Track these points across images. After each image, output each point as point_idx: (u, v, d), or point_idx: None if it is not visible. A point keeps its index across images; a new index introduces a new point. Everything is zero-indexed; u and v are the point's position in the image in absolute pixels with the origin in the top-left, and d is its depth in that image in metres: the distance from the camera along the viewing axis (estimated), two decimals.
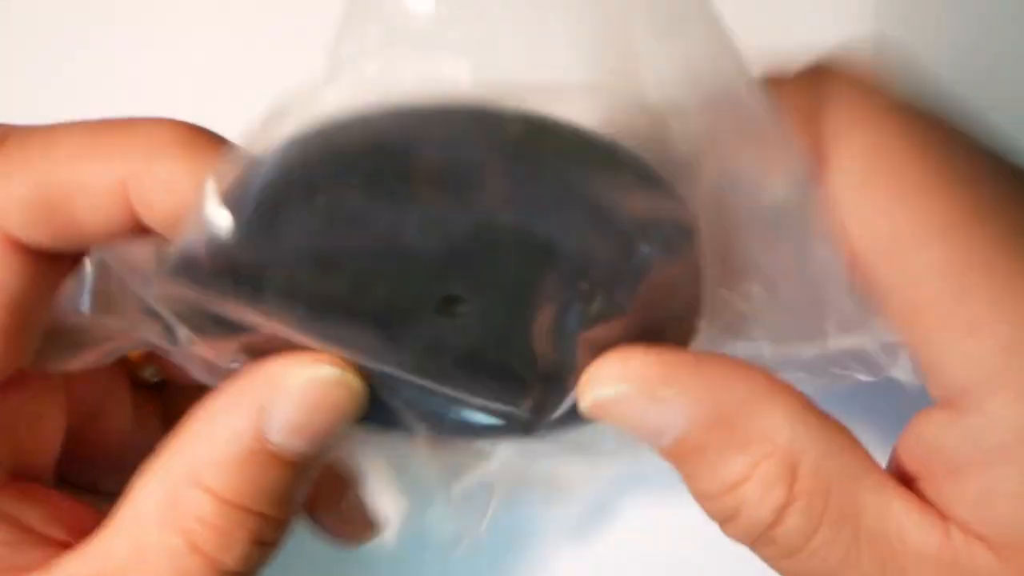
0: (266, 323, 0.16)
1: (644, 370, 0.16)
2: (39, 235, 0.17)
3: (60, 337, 0.18)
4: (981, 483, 0.15)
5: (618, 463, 0.19)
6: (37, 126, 0.17)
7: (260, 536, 0.17)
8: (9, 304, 0.17)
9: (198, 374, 0.18)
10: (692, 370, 0.16)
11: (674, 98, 0.14)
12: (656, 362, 0.16)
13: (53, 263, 0.17)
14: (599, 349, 0.16)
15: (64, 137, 0.17)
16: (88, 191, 0.17)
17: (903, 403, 0.17)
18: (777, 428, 0.16)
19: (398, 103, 0.14)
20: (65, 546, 0.18)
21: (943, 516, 0.15)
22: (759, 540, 0.16)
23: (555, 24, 0.13)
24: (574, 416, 0.17)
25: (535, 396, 0.17)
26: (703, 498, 0.17)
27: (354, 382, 0.16)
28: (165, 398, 0.23)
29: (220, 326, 0.16)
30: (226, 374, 0.17)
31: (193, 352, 0.17)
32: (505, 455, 0.18)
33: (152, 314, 0.17)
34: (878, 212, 0.15)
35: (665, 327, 0.16)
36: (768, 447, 0.16)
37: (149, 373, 0.23)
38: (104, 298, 0.17)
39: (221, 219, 0.15)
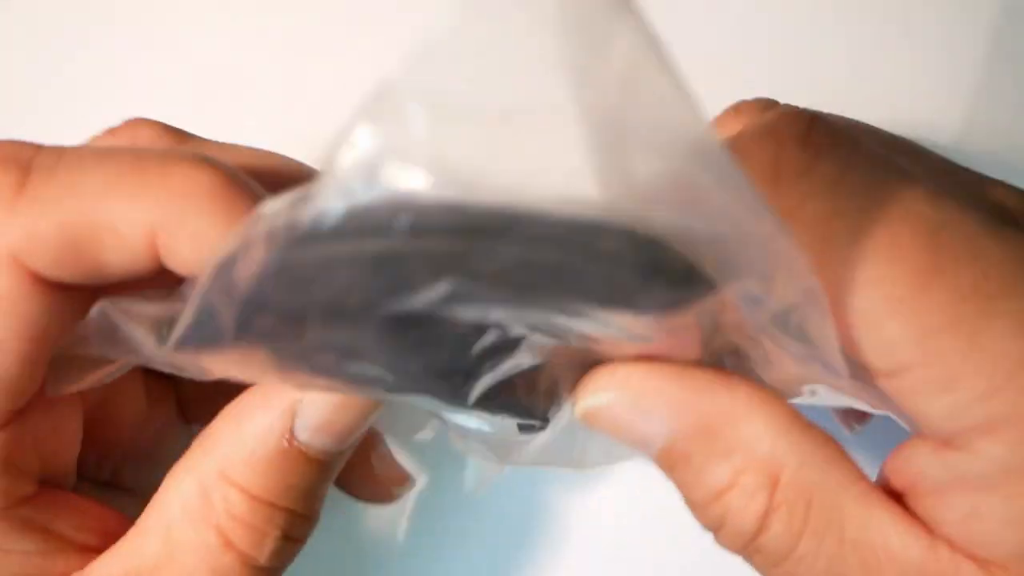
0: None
1: (629, 380, 0.16)
2: (63, 273, 0.17)
3: (67, 362, 0.18)
4: (966, 506, 0.15)
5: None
6: (64, 151, 0.17)
7: (289, 532, 0.18)
8: (32, 336, 0.17)
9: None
10: (676, 380, 0.16)
11: (674, 221, 0.13)
12: (641, 373, 0.16)
13: (73, 294, 0.17)
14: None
15: (93, 171, 0.17)
16: (116, 234, 0.16)
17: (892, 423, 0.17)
18: (759, 437, 0.16)
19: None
20: (96, 551, 0.18)
21: (930, 531, 0.16)
22: (747, 549, 0.17)
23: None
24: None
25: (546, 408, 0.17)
26: (694, 507, 0.17)
27: None
28: (178, 385, 0.23)
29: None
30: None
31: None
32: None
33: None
34: (844, 284, 0.15)
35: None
36: (749, 456, 0.16)
37: None
38: (110, 336, 0.17)
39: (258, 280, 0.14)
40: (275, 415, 0.17)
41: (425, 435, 0.22)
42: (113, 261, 0.17)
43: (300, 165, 0.20)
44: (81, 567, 0.18)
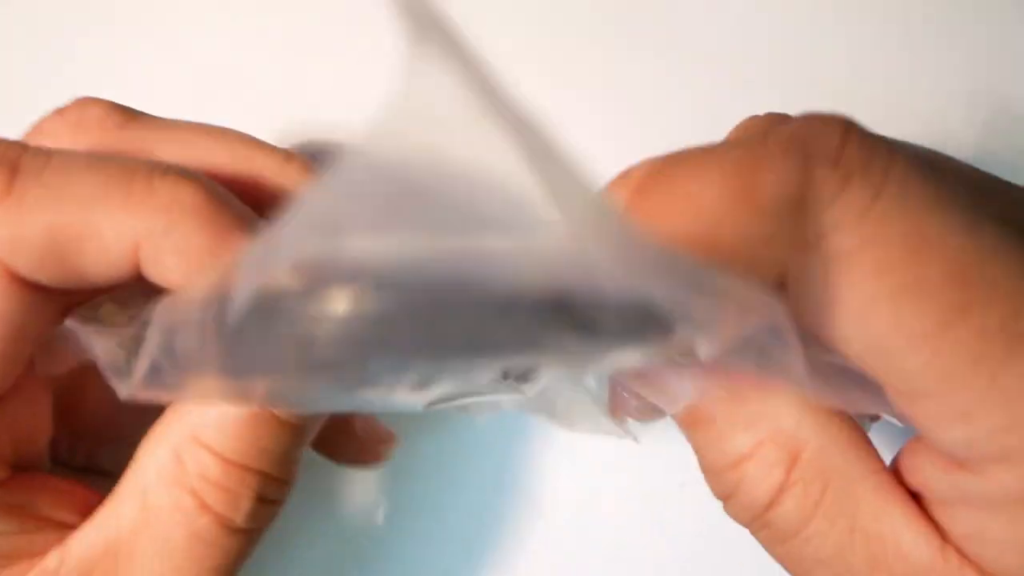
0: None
1: None
2: (44, 276, 0.17)
3: (55, 347, 0.19)
4: (973, 523, 0.15)
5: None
6: (52, 153, 0.17)
7: (264, 494, 0.18)
8: (10, 335, 0.17)
9: None
10: None
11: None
12: None
13: (54, 295, 0.18)
14: None
15: (80, 178, 0.17)
16: (99, 244, 0.17)
17: None
18: (786, 412, 0.16)
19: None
20: (75, 527, 0.18)
21: (942, 535, 0.16)
22: (756, 521, 0.17)
23: None
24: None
25: None
26: (708, 472, 0.17)
27: None
28: None
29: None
30: None
31: None
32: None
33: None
34: (867, 315, 0.14)
35: None
36: (773, 429, 0.16)
37: None
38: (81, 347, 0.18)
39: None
40: None
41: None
42: (94, 268, 0.17)
43: (254, 147, 0.21)
44: (62, 540, 0.18)
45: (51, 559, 0.18)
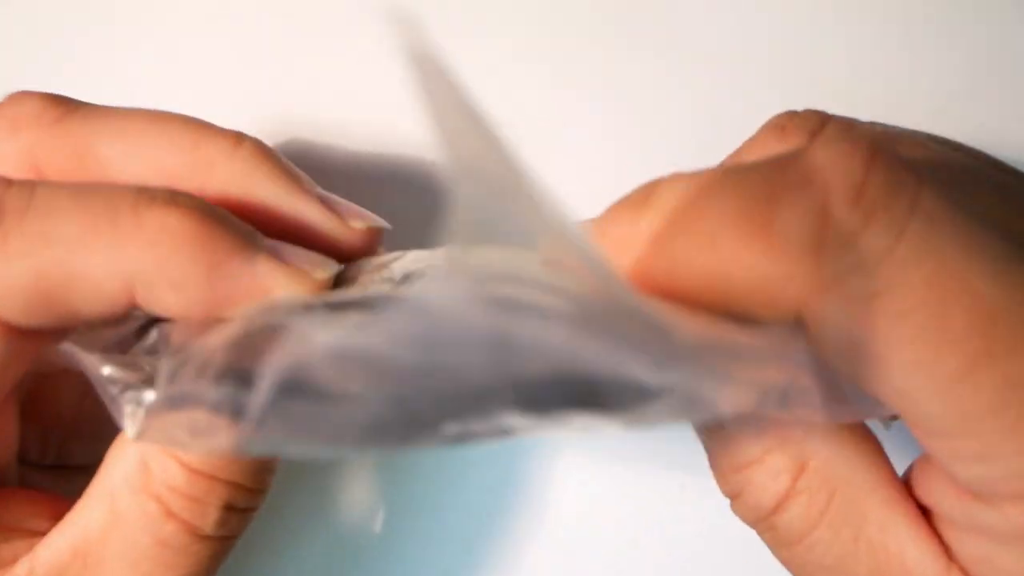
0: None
1: None
2: (32, 321, 0.17)
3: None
4: (982, 550, 0.15)
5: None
6: (35, 189, 0.17)
7: (234, 503, 0.18)
8: None
9: None
10: None
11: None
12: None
13: (43, 332, 0.17)
14: None
15: (66, 218, 0.16)
16: (90, 285, 0.16)
17: None
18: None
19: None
20: (46, 534, 0.18)
21: (949, 554, 0.15)
22: (761, 524, 0.17)
23: None
24: None
25: None
26: (716, 471, 0.17)
27: None
28: None
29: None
30: None
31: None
32: None
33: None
34: (887, 359, 0.14)
35: None
36: (782, 437, 0.16)
37: None
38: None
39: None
40: None
41: None
42: (87, 308, 0.17)
43: (201, 132, 0.20)
44: (31, 550, 0.18)
45: (20, 567, 0.17)
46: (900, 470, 0.17)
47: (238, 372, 0.15)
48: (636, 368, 0.13)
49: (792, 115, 0.18)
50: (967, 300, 0.13)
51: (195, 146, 0.19)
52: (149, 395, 0.16)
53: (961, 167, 0.17)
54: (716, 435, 0.17)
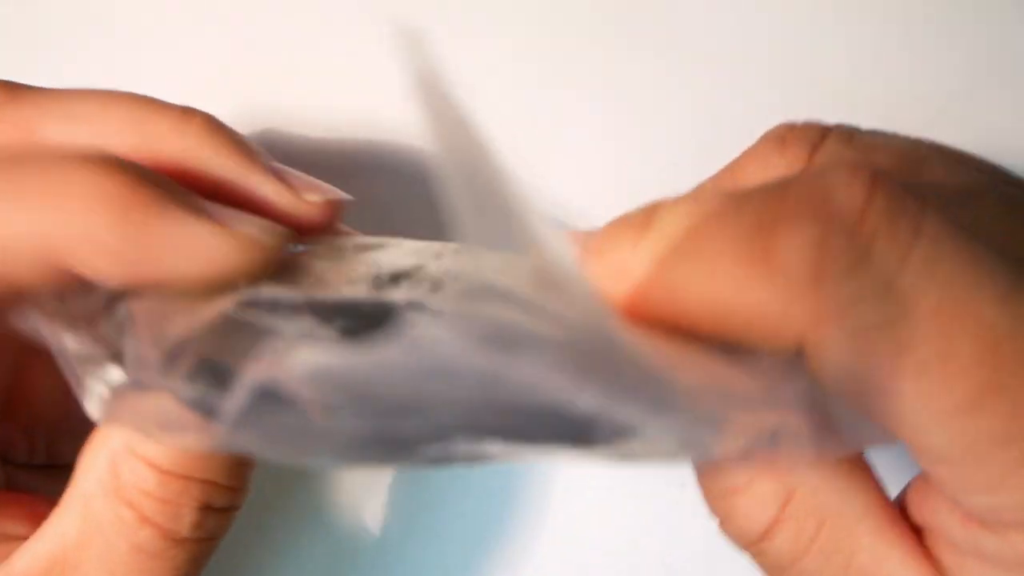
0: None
1: None
2: None
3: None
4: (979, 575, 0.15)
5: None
6: None
7: (211, 503, 0.17)
8: None
9: None
10: None
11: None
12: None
13: None
14: None
15: None
16: (8, 246, 0.16)
17: None
18: None
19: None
20: (27, 539, 0.18)
21: None
22: (750, 548, 0.16)
23: None
24: None
25: None
26: (704, 493, 0.17)
27: None
28: None
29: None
30: None
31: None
32: None
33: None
34: (890, 391, 0.13)
35: None
36: (769, 465, 0.15)
37: None
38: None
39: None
40: None
41: None
42: (10, 272, 0.16)
43: (148, 108, 0.19)
44: (10, 554, 0.17)
45: None
46: (899, 472, 0.17)
47: (213, 367, 0.15)
48: (625, 408, 0.13)
49: (791, 127, 0.18)
50: (973, 329, 0.13)
51: (143, 123, 0.19)
52: (116, 373, 0.16)
53: (965, 184, 0.16)
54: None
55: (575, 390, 0.13)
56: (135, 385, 0.15)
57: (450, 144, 0.12)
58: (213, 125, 0.19)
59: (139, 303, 0.16)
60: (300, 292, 0.16)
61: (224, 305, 0.16)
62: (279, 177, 0.19)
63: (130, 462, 0.17)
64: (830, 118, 0.26)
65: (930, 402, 0.13)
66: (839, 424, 0.14)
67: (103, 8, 0.28)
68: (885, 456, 0.17)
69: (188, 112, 0.19)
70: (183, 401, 0.15)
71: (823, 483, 0.15)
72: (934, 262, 0.13)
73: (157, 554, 0.17)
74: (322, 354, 0.13)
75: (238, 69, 0.28)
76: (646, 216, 0.15)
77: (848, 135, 0.17)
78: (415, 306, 0.16)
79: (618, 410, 0.13)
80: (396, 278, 0.17)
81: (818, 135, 0.17)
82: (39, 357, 0.20)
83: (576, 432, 0.13)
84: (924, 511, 0.16)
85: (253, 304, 0.16)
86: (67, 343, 0.16)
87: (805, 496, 0.15)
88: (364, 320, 0.16)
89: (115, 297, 0.17)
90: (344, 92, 0.27)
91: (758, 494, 0.16)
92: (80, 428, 0.19)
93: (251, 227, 0.17)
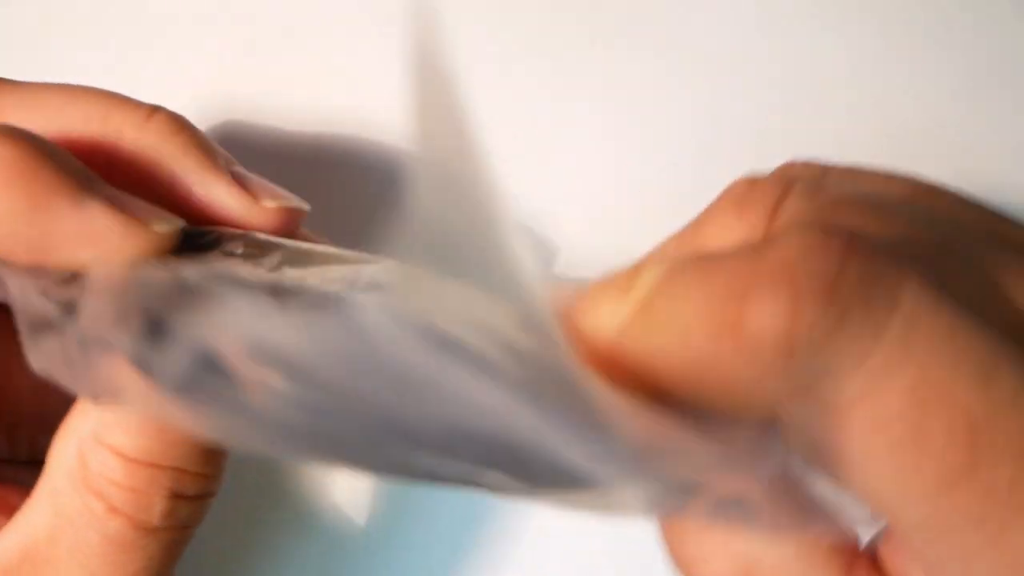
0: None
1: None
2: None
3: None
4: None
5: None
6: None
7: (181, 491, 0.17)
8: None
9: None
10: None
11: None
12: None
13: None
14: None
15: None
16: None
17: None
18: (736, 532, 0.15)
19: None
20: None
21: None
22: None
23: None
24: None
25: None
26: (665, 545, 0.16)
27: None
28: None
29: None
30: None
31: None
32: None
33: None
34: (863, 468, 0.13)
35: None
36: (725, 546, 0.15)
37: None
38: None
39: None
40: None
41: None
42: None
43: (112, 104, 0.19)
44: None
45: None
46: None
47: (159, 326, 0.14)
48: (576, 455, 0.13)
49: (752, 185, 0.16)
50: (949, 411, 0.12)
51: (105, 118, 0.19)
52: (69, 325, 0.15)
53: (944, 236, 0.15)
54: (669, 527, 0.16)
55: (523, 419, 0.12)
56: (81, 343, 0.15)
57: (437, 143, 0.12)
58: (177, 125, 0.19)
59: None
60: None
61: (178, 271, 0.16)
62: (238, 181, 0.19)
63: (97, 452, 0.16)
64: (830, 117, 0.27)
65: (903, 482, 0.13)
66: (807, 498, 0.14)
67: (104, 8, 0.28)
68: None
69: (153, 110, 0.19)
70: (131, 358, 0.14)
71: (783, 557, 0.15)
72: (910, 340, 0.12)
73: (129, 544, 0.17)
74: (259, 320, 0.13)
75: (236, 72, 0.28)
76: (630, 277, 0.14)
77: (811, 190, 0.15)
78: (364, 293, 0.16)
79: (567, 452, 0.13)
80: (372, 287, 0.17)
81: (778, 193, 0.16)
82: (20, 355, 0.21)
83: (513, 464, 0.13)
84: (896, 561, 0.15)
85: (207, 273, 0.16)
86: (17, 293, 0.16)
87: (764, 572, 0.15)
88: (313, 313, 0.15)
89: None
90: (337, 92, 0.27)
91: (716, 568, 0.15)
92: (58, 422, 0.19)
93: (152, 216, 0.17)
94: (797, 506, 0.14)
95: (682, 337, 0.13)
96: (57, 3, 0.29)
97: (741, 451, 0.13)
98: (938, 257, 0.14)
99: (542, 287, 0.12)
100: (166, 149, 0.19)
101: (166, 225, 0.17)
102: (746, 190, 0.16)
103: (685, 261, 0.13)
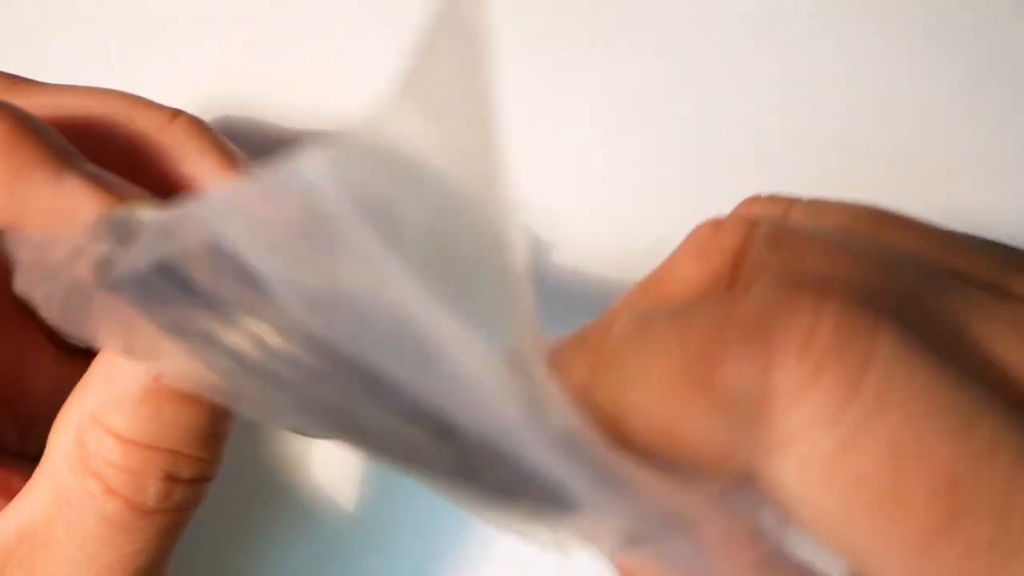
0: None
1: None
2: None
3: None
4: None
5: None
6: None
7: (177, 474, 0.17)
8: None
9: None
10: None
11: None
12: None
13: None
14: None
15: None
16: None
17: None
18: None
19: None
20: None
21: None
22: None
23: None
24: None
25: None
26: None
27: None
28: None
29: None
30: None
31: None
32: None
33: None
34: (840, 525, 0.13)
35: None
36: None
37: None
38: None
39: None
40: None
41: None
42: None
43: (136, 106, 0.20)
44: None
45: None
46: None
47: (124, 222, 0.14)
48: (546, 460, 0.12)
49: (713, 231, 0.16)
50: (927, 466, 0.12)
51: (129, 119, 0.20)
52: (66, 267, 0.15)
53: (910, 276, 0.14)
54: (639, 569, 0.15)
55: (491, 416, 0.12)
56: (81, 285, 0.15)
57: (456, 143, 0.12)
58: (197, 127, 0.20)
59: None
60: None
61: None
62: None
63: (95, 433, 0.17)
64: (830, 117, 0.27)
65: (882, 538, 0.12)
66: (777, 554, 0.14)
67: (103, 8, 0.28)
68: None
69: (175, 113, 0.20)
70: (92, 263, 0.14)
71: None
72: (886, 396, 0.12)
73: (125, 526, 0.17)
74: (221, 223, 0.13)
75: (236, 72, 0.28)
76: (599, 335, 0.14)
77: (774, 235, 0.15)
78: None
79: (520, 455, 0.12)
80: None
81: (740, 239, 0.16)
82: (41, 355, 0.21)
83: (466, 465, 0.13)
84: None
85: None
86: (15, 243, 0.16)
87: None
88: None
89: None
90: (337, 92, 0.27)
91: None
92: None
93: (129, 193, 0.17)
94: (766, 562, 0.14)
95: (654, 394, 0.13)
96: (57, 3, 0.29)
97: (710, 503, 0.13)
98: (908, 303, 0.14)
99: (534, 332, 0.12)
100: (186, 149, 0.19)
101: (144, 206, 0.17)
102: (708, 236, 0.16)
103: (653, 316, 0.13)
